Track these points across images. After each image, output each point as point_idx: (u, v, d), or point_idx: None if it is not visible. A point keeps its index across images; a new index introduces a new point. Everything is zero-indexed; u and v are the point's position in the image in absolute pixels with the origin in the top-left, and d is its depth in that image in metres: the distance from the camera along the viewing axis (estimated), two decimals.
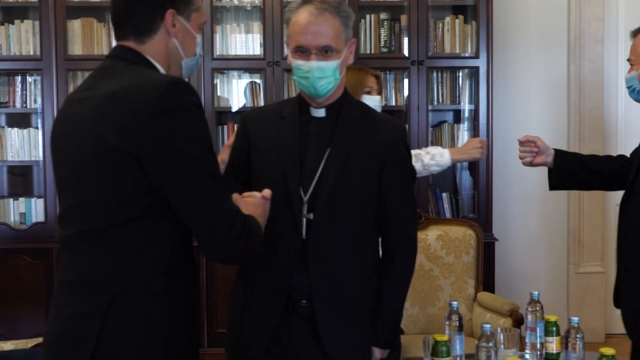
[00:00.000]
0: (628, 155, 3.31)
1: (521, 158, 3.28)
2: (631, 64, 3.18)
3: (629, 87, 3.20)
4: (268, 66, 5.03)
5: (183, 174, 1.93)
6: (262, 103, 5.16)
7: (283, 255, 2.48)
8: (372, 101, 3.81)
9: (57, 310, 2.06)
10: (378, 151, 2.53)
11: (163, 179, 1.93)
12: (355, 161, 2.50)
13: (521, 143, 3.26)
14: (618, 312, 5.77)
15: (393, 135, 2.57)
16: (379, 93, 3.88)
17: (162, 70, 2.12)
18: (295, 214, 2.47)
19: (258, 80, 5.28)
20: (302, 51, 2.46)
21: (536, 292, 2.83)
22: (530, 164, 3.28)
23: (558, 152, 3.30)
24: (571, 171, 3.28)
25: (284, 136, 2.54)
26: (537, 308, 2.79)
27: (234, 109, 5.31)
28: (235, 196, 2.11)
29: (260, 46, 5.11)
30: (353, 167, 2.49)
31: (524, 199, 5.62)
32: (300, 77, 2.49)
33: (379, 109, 3.75)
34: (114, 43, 2.16)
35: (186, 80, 2.12)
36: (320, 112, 2.56)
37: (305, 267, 2.46)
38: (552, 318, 2.77)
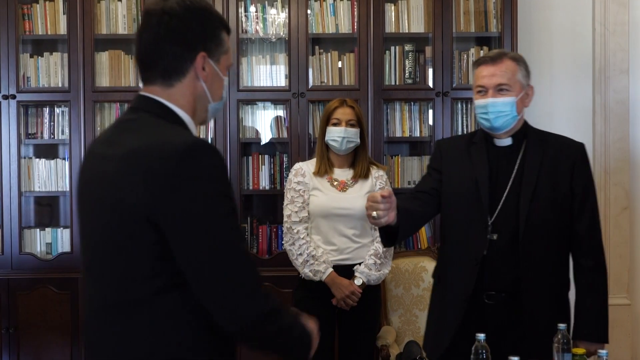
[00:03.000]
0: None
1: (380, 217, 2.78)
2: (502, 89, 3.04)
3: (501, 112, 3.03)
4: (293, 97, 5.05)
5: (201, 246, 1.83)
6: (285, 135, 5.19)
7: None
8: (335, 133, 3.91)
9: None
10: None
11: (181, 249, 1.83)
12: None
13: (384, 197, 2.78)
14: None
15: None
16: (355, 125, 3.94)
17: (186, 117, 2.01)
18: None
19: (281, 113, 5.31)
20: None
21: (563, 325, 2.79)
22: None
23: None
24: (408, 224, 3.04)
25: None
26: (565, 341, 2.76)
27: (263, 140, 5.35)
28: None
29: (286, 77, 5.15)
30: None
31: None
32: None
33: (339, 143, 3.83)
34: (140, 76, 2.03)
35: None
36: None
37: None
38: (580, 351, 2.74)
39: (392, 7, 5.22)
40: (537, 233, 3.02)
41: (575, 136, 5.51)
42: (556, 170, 3.09)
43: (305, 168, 4.00)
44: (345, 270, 3.86)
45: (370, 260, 3.86)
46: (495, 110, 3.03)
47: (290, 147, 5.08)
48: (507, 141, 3.14)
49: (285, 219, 3.98)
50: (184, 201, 1.81)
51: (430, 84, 5.16)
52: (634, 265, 5.61)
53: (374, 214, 2.77)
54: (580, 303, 3.10)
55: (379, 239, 3.78)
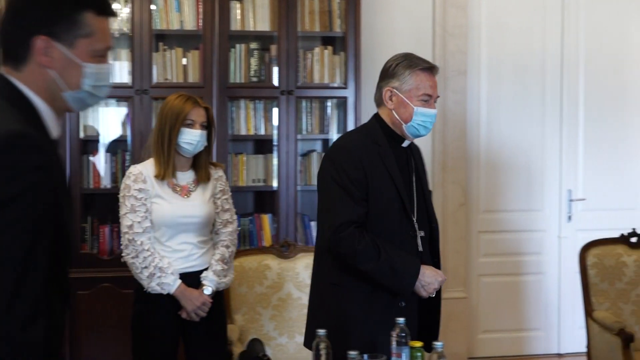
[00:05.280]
0: None
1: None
2: (425, 100, 3.17)
3: (428, 123, 3.19)
4: (136, 94, 4.95)
5: None
6: (128, 133, 5.05)
7: None
8: (190, 135, 3.67)
9: None
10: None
11: None
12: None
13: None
14: (481, 336, 5.93)
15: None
16: (207, 127, 3.74)
17: (40, 103, 1.85)
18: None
19: (124, 110, 5.17)
20: None
21: (401, 319, 2.86)
22: None
23: None
24: None
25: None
26: (402, 334, 2.82)
27: (104, 138, 5.18)
28: None
29: (129, 74, 5.03)
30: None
31: None
32: None
33: (193, 147, 3.66)
34: None
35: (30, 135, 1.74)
36: None
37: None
38: (417, 344, 2.81)
39: (238, 5, 5.20)
40: (435, 223, 3.38)
41: None
42: (423, 165, 3.45)
43: (146, 173, 3.68)
44: (191, 278, 3.68)
45: (217, 266, 3.73)
46: (433, 120, 3.22)
47: (133, 146, 4.98)
48: (407, 142, 3.31)
49: (125, 229, 3.65)
50: None
51: (275, 82, 5.18)
52: (469, 259, 5.82)
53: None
54: None
55: (222, 242, 3.79)
